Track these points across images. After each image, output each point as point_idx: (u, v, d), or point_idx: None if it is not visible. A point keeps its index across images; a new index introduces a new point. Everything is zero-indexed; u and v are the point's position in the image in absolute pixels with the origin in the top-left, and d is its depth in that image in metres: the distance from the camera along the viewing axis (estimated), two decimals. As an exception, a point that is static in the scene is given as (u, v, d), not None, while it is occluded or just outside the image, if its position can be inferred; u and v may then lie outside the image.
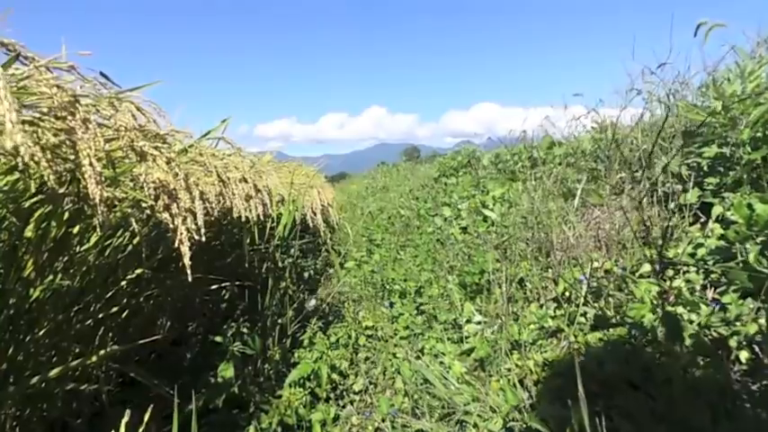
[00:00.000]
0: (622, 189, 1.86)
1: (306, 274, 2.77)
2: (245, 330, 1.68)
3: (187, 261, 1.06)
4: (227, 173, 1.62)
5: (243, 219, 1.64)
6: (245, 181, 1.69)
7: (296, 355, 1.90)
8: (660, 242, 1.39)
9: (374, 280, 2.68)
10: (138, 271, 1.76)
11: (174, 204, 1.03)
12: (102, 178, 0.88)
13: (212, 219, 1.66)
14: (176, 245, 1.08)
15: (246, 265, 2.15)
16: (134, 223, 1.06)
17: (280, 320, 2.01)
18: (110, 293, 1.69)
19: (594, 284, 1.40)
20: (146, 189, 0.97)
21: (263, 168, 2.54)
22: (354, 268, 3.24)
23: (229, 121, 1.78)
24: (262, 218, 2.07)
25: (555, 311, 1.46)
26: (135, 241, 1.75)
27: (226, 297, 2.39)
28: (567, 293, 1.47)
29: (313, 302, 1.89)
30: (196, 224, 1.06)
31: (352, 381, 1.89)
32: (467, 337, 1.56)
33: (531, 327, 1.41)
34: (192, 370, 1.98)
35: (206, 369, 1.91)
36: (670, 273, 1.40)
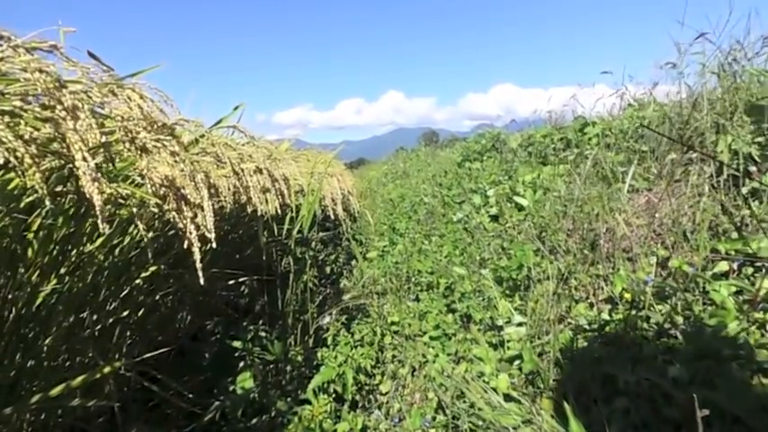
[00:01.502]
0: (672, 172, 1.68)
1: (327, 269, 2.68)
2: (263, 334, 1.59)
3: (198, 264, 0.95)
4: (242, 164, 1.50)
5: (259, 212, 1.53)
6: (261, 172, 1.58)
7: (319, 354, 1.81)
8: (735, 234, 1.22)
9: (399, 272, 2.56)
10: (153, 268, 1.69)
11: (182, 203, 0.92)
12: (99, 174, 0.78)
13: (227, 212, 1.56)
14: (186, 246, 0.97)
15: (264, 258, 2.06)
16: (139, 224, 0.95)
17: (301, 317, 1.91)
18: (124, 293, 1.62)
19: (656, 283, 1.24)
20: (148, 186, 0.86)
21: (280, 157, 2.43)
22: (377, 258, 3.13)
23: (243, 107, 1.66)
24: (279, 210, 1.97)
25: (611, 314, 1.30)
26: (148, 237, 1.67)
27: (245, 292, 2.31)
28: (626, 294, 1.31)
29: (327, 319, 1.78)
30: (206, 224, 0.95)
31: (378, 380, 1.79)
32: (507, 341, 1.42)
33: (586, 333, 1.25)
34: (212, 367, 1.91)
35: (226, 368, 1.84)
36: (748, 270, 1.23)
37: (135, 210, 0.98)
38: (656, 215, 1.51)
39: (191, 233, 0.93)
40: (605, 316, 1.29)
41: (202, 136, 1.41)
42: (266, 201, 1.65)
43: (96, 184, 0.75)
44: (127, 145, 0.87)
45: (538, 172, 2.66)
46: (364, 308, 2.26)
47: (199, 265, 0.96)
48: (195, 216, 0.93)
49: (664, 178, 1.73)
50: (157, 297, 1.83)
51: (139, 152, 0.86)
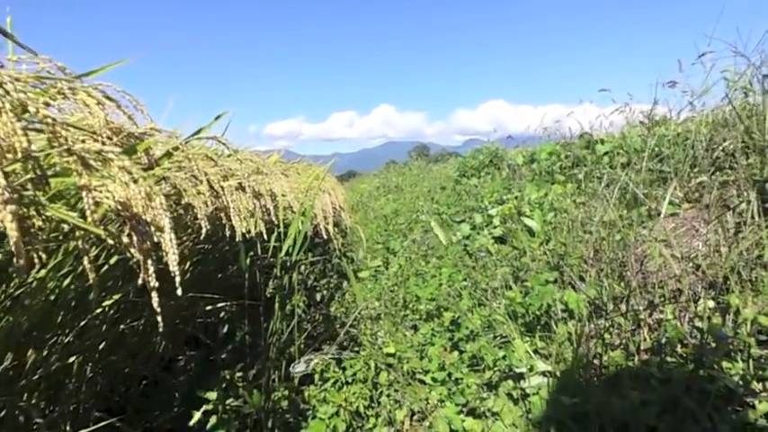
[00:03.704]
0: (700, 195, 1.53)
1: (318, 296, 2.48)
2: (240, 382, 1.38)
3: (156, 306, 0.76)
4: (222, 181, 1.32)
5: (237, 236, 1.34)
6: (244, 189, 1.40)
7: (306, 393, 1.61)
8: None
9: (394, 295, 2.37)
10: (118, 296, 1.49)
11: (135, 234, 0.73)
12: (16, 197, 0.59)
13: (206, 232, 1.37)
14: (141, 282, 0.78)
15: (246, 281, 1.86)
16: (85, 262, 0.76)
17: (288, 350, 1.72)
18: (82, 324, 1.42)
19: (694, 325, 1.06)
20: (87, 211, 0.67)
21: (268, 170, 2.25)
22: (370, 279, 2.94)
23: (226, 116, 1.48)
24: (264, 230, 1.78)
25: (660, 367, 1.10)
26: (112, 261, 1.47)
27: (226, 318, 2.10)
28: (684, 349, 1.12)
29: (302, 367, 1.58)
30: (169, 259, 0.76)
31: (372, 423, 1.59)
32: (530, 395, 1.23)
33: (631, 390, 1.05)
34: (185, 401, 1.70)
35: (200, 402, 1.63)
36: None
37: (80, 243, 0.79)
38: (690, 245, 1.35)
39: (148, 273, 0.74)
40: (654, 371, 1.09)
41: (176, 148, 1.22)
42: (249, 221, 1.47)
43: (9, 207, 0.56)
44: (66, 158, 0.68)
45: (545, 191, 2.50)
46: (356, 335, 2.07)
47: (158, 309, 0.77)
48: (153, 249, 0.74)
49: (688, 203, 1.58)
50: (122, 327, 1.62)
51: (81, 167, 0.67)
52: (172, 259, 0.71)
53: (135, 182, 0.69)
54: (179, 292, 0.73)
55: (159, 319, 0.76)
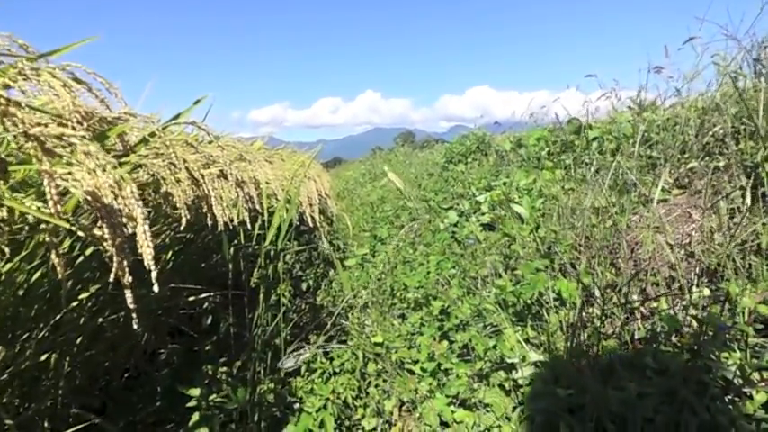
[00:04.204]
0: (690, 181, 1.51)
1: (304, 285, 2.43)
2: (224, 377, 1.34)
3: (130, 303, 0.71)
4: (202, 169, 1.26)
5: (219, 226, 1.29)
6: (226, 177, 1.34)
7: (293, 385, 1.58)
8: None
9: (382, 284, 2.34)
10: (95, 287, 1.43)
11: (105, 225, 0.68)
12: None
13: (187, 221, 1.31)
14: (113, 277, 0.73)
15: (230, 271, 1.81)
16: (54, 257, 0.70)
17: (273, 341, 1.68)
18: (57, 317, 1.36)
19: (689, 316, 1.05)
20: (50, 201, 0.62)
21: (252, 157, 2.19)
22: (357, 267, 2.90)
23: (206, 101, 1.41)
24: (248, 218, 1.73)
25: (654, 358, 1.09)
26: (88, 252, 1.41)
27: (209, 309, 2.05)
28: (682, 339, 1.10)
29: (291, 362, 1.54)
30: (145, 253, 0.71)
31: (360, 413, 1.57)
32: (523, 386, 1.21)
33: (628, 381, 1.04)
34: (166, 394, 1.66)
35: (183, 400, 1.59)
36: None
37: (47, 237, 0.73)
38: (691, 232, 1.33)
39: (120, 264, 0.69)
40: (649, 361, 1.07)
41: (153, 135, 1.16)
42: (232, 210, 1.41)
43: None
44: (24, 143, 0.62)
45: (534, 177, 2.48)
46: (343, 324, 2.04)
47: (132, 305, 0.72)
48: (126, 242, 0.69)
49: (678, 189, 1.57)
50: (101, 320, 1.56)
51: (39, 152, 0.61)
52: (146, 253, 0.66)
53: (103, 169, 0.64)
54: (155, 288, 0.69)
55: (134, 316, 0.71)
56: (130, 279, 0.69)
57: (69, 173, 0.68)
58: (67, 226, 0.63)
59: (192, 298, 1.92)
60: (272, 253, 1.84)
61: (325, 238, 3.40)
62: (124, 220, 0.68)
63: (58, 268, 0.73)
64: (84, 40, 0.90)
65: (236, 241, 2.10)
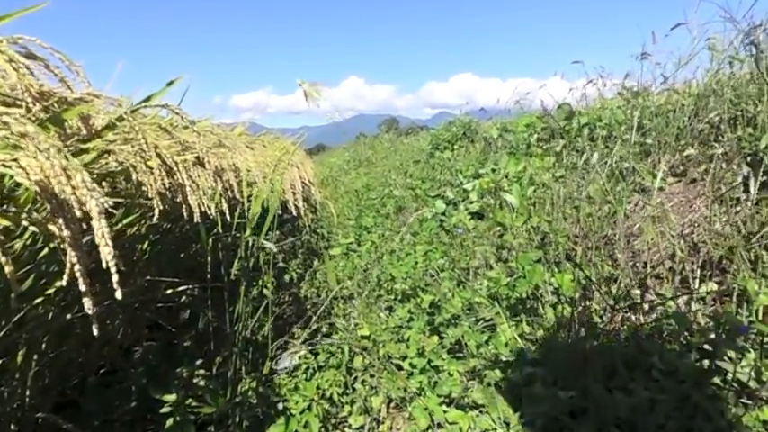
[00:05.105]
0: (686, 169, 1.47)
1: (287, 277, 2.36)
2: (201, 383, 1.27)
3: (89, 309, 0.63)
4: (177, 155, 1.17)
5: (196, 217, 1.21)
6: (203, 165, 1.25)
7: (276, 382, 1.51)
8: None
9: (368, 275, 2.28)
10: (59, 283, 1.34)
11: (59, 217, 0.60)
12: None
13: (162, 210, 1.23)
14: (67, 278, 0.66)
15: (208, 262, 1.73)
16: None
17: (255, 337, 1.61)
18: (20, 315, 1.27)
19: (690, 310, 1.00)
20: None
21: (232, 144, 2.09)
22: (342, 257, 2.84)
23: (180, 83, 1.31)
24: (227, 208, 1.65)
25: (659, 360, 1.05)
26: (53, 245, 1.31)
27: (187, 302, 1.96)
28: (691, 338, 1.05)
29: (286, 362, 1.46)
30: (104, 251, 0.63)
31: (347, 411, 1.52)
32: (520, 386, 1.16)
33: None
34: (142, 394, 1.59)
35: (158, 402, 1.52)
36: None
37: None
38: (690, 222, 1.29)
39: (72, 263, 0.61)
40: (655, 361, 1.03)
41: (120, 119, 1.06)
42: (209, 200, 1.33)
43: None
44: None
45: (524, 164, 2.42)
46: (328, 317, 1.98)
47: (90, 309, 0.64)
48: (80, 239, 0.61)
49: (673, 177, 1.53)
50: (70, 315, 1.47)
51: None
52: (104, 252, 0.58)
53: (46, 155, 0.55)
54: (118, 294, 0.61)
55: (89, 307, 0.62)
56: (88, 282, 0.61)
57: (14, 159, 0.60)
58: (7, 223, 0.55)
59: (169, 291, 1.83)
60: (252, 244, 1.77)
61: (309, 226, 3.32)
62: (78, 213, 0.59)
63: (6, 268, 0.65)
64: (33, 7, 0.80)
65: (215, 231, 2.02)
